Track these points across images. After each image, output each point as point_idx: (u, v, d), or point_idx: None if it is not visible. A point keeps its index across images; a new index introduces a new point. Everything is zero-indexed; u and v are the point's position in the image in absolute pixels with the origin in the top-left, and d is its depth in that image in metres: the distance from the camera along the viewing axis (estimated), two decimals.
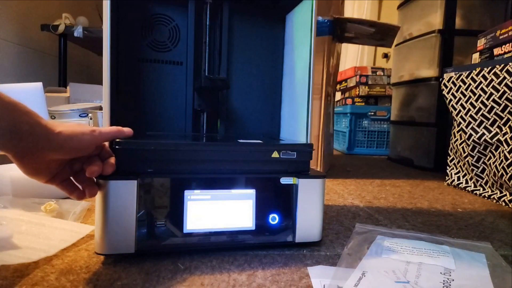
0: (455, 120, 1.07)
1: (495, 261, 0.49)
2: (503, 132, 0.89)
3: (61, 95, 1.64)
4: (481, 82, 0.96)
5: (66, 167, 0.42)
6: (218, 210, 0.48)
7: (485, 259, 0.49)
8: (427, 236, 0.58)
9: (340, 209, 0.77)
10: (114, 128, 0.44)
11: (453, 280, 0.42)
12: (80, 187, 0.44)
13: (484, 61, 1.04)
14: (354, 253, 0.49)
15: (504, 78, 0.88)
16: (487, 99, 0.94)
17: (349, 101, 2.27)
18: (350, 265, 0.45)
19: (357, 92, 2.20)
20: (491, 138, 0.93)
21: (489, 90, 0.93)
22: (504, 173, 0.86)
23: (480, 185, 1.00)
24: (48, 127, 0.36)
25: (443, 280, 0.42)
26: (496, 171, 0.90)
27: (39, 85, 1.17)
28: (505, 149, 0.87)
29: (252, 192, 0.49)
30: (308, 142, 0.54)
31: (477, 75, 0.98)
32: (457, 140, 1.07)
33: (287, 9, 0.65)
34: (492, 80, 0.93)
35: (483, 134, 0.95)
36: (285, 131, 0.67)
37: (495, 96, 0.91)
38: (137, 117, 0.60)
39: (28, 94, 1.14)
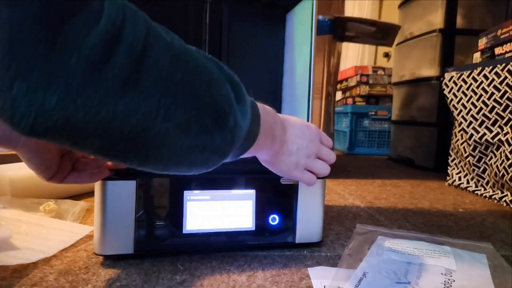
0: (456, 120, 1.07)
1: (496, 261, 0.49)
2: (504, 132, 0.89)
3: None
4: (482, 82, 0.96)
5: (66, 159, 0.39)
6: (217, 211, 0.48)
7: (486, 259, 0.49)
8: (428, 237, 0.58)
9: (340, 210, 0.77)
10: None
11: (454, 280, 0.42)
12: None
13: (485, 60, 1.03)
14: (355, 254, 0.49)
15: (505, 77, 0.88)
16: (488, 98, 0.93)
17: (349, 100, 2.27)
18: (350, 265, 0.45)
19: (358, 92, 2.19)
20: (492, 138, 0.92)
21: (490, 89, 0.93)
22: (505, 173, 0.86)
23: (481, 185, 0.99)
24: None
25: (444, 281, 0.42)
26: (497, 171, 0.89)
27: None
28: (506, 149, 0.87)
29: (252, 192, 0.49)
30: None
31: (478, 74, 0.98)
32: (458, 140, 1.07)
33: (288, 8, 0.65)
34: (493, 79, 0.92)
35: (484, 134, 0.95)
36: None
37: (496, 95, 0.91)
38: None
39: None
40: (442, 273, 0.44)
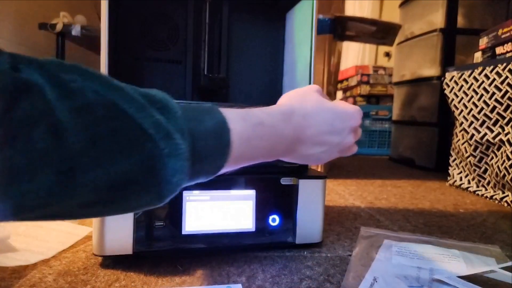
0: (457, 119, 1.07)
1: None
2: (505, 132, 0.89)
3: None
4: (483, 82, 0.96)
5: None
6: (217, 211, 0.47)
7: (495, 263, 0.49)
8: (435, 240, 0.58)
9: (341, 210, 0.76)
10: None
11: None
12: None
13: (486, 60, 1.03)
14: (363, 258, 0.49)
15: (506, 77, 0.88)
16: (489, 98, 0.93)
17: (350, 100, 2.26)
18: (359, 271, 0.45)
19: (359, 91, 2.19)
20: (493, 138, 0.92)
21: (491, 89, 0.93)
22: (506, 174, 0.86)
23: (482, 186, 0.99)
24: None
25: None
26: (498, 172, 0.89)
27: None
28: (507, 149, 0.86)
29: (252, 192, 0.49)
30: None
31: (479, 74, 0.97)
32: (459, 140, 1.06)
33: (288, 8, 0.65)
34: (494, 79, 0.92)
35: (485, 134, 0.94)
36: None
37: (497, 95, 0.90)
38: None
39: None
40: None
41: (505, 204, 0.88)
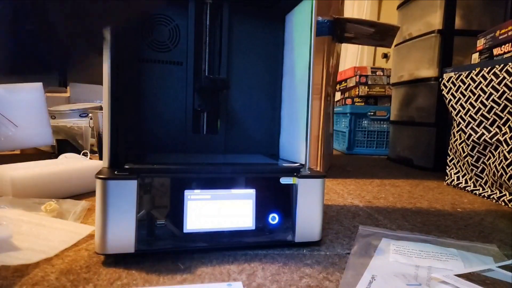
0: (455, 120, 1.07)
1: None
2: (502, 132, 0.90)
3: (61, 95, 1.65)
4: (480, 82, 0.96)
5: None
6: (218, 210, 0.48)
7: (493, 262, 0.49)
8: (432, 239, 0.58)
9: (339, 209, 0.77)
10: None
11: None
12: None
13: (483, 61, 1.04)
14: (361, 257, 0.49)
15: (504, 78, 0.89)
16: (487, 99, 0.94)
17: (348, 101, 2.27)
18: (358, 269, 0.45)
19: (357, 92, 2.20)
20: (491, 138, 0.93)
21: (488, 90, 0.93)
22: (504, 173, 0.86)
23: (480, 185, 1.00)
24: None
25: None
26: (495, 171, 0.90)
27: (39, 85, 1.17)
28: (505, 149, 0.87)
29: (252, 191, 0.50)
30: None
31: (476, 75, 0.98)
32: (456, 140, 1.07)
33: (287, 9, 0.65)
34: (491, 80, 0.93)
35: (483, 134, 0.95)
36: (285, 132, 0.67)
37: (495, 96, 0.91)
38: (137, 117, 0.60)
39: (28, 94, 1.14)
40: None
41: (503, 203, 0.89)
